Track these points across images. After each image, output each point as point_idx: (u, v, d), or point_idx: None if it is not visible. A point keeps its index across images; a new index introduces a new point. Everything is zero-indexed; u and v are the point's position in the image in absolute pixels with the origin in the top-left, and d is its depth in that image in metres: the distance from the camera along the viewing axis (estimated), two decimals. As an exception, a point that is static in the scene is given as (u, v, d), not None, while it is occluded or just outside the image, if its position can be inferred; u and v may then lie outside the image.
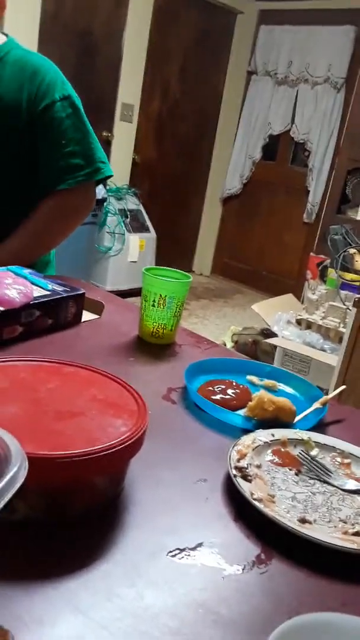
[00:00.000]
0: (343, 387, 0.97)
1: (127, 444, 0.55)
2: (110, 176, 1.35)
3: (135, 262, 4.18)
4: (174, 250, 5.03)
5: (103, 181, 1.36)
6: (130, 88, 4.31)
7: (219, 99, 5.08)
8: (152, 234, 4.37)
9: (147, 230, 4.34)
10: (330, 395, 0.86)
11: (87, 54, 3.97)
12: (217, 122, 5.14)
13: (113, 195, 4.16)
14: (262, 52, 4.80)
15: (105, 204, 4.04)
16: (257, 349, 3.30)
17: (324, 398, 0.85)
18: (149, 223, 4.38)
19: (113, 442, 0.55)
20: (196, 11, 4.54)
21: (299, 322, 3.21)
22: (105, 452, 0.53)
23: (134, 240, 4.20)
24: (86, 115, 1.30)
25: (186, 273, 1.07)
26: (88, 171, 1.28)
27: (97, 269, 4.14)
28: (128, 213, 4.22)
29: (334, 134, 4.51)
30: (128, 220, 4.21)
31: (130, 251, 4.19)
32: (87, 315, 1.10)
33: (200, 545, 0.55)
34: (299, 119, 4.66)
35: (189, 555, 0.53)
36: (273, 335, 3.19)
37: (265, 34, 4.76)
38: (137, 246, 4.23)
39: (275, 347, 3.06)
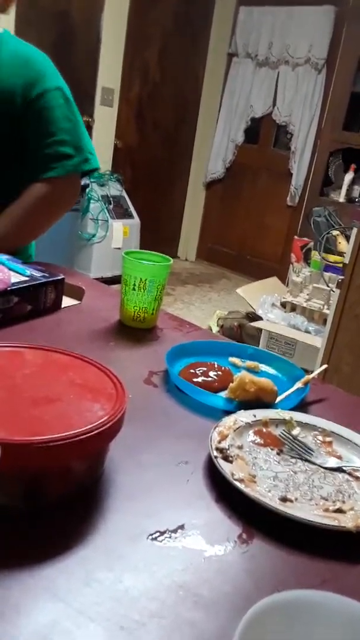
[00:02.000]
0: (325, 366, 0.97)
1: (104, 427, 0.54)
2: (97, 169, 1.34)
3: (119, 248, 4.15)
4: (158, 236, 4.99)
5: (89, 173, 1.35)
6: (110, 72, 4.24)
7: (199, 82, 5.02)
8: (136, 220, 4.33)
9: (130, 216, 4.30)
10: (312, 375, 0.86)
11: (65, 37, 3.89)
12: (199, 106, 5.09)
13: (95, 181, 4.11)
14: (242, 33, 4.74)
15: (87, 190, 4.00)
16: (242, 332, 3.30)
17: (306, 378, 0.85)
18: (132, 209, 4.34)
19: (90, 426, 0.54)
20: (175, -8, 4.47)
21: (283, 304, 3.22)
22: (82, 436, 0.53)
23: (118, 227, 4.17)
24: None
25: (166, 256, 1.05)
26: (77, 161, 1.27)
27: (81, 256, 4.11)
28: (111, 199, 4.18)
29: (316, 115, 4.49)
30: (111, 206, 4.17)
31: (114, 238, 4.16)
32: (67, 301, 1.09)
33: (181, 527, 0.54)
34: (281, 101, 4.63)
35: (169, 537, 0.53)
36: (258, 318, 3.19)
37: (245, 15, 4.71)
38: (121, 233, 4.20)
39: (260, 330, 3.07)
